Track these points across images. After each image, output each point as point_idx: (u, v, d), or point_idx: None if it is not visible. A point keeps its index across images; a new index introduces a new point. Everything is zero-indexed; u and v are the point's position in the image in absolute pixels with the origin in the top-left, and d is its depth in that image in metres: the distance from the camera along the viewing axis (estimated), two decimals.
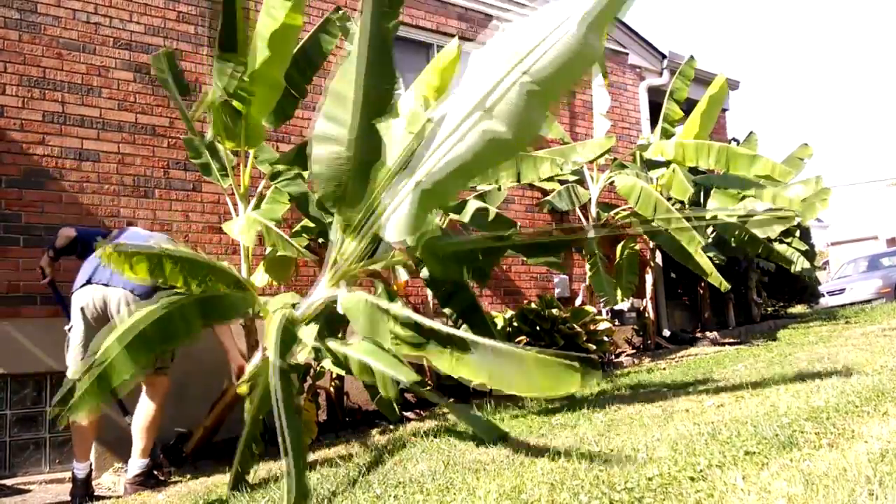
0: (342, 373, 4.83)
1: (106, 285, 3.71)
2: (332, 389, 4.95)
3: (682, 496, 1.92)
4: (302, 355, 4.21)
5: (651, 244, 7.98)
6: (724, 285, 6.71)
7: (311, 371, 4.63)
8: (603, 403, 4.07)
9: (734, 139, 10.22)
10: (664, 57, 8.79)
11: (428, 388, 4.67)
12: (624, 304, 7.60)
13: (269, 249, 4.96)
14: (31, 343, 4.38)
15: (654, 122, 8.40)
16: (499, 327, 6.00)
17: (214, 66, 3.97)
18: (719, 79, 7.31)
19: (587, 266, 7.07)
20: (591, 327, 6.23)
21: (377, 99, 3.48)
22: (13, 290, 4.47)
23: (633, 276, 7.48)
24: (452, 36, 5.15)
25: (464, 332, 3.04)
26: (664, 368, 6.01)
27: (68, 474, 4.39)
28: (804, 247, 10.05)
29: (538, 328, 5.89)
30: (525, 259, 6.51)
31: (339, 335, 4.89)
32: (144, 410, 3.80)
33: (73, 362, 3.70)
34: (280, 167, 4.60)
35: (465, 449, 3.32)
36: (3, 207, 4.52)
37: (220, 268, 3.48)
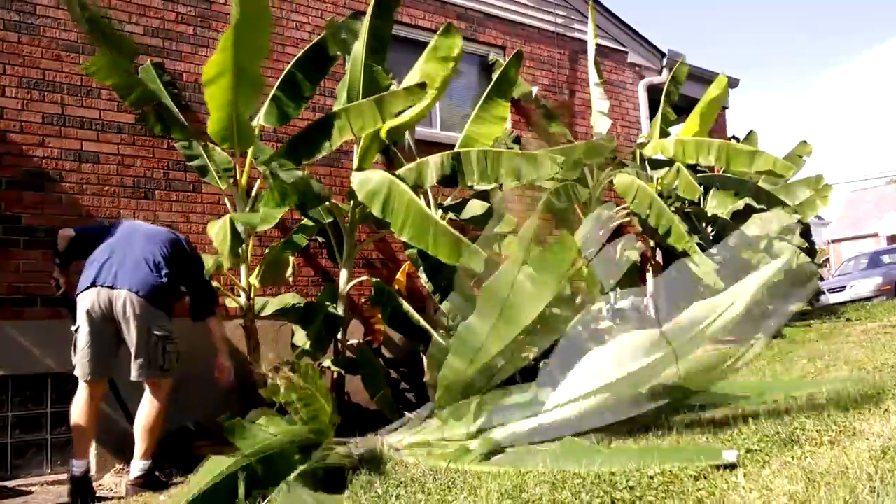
0: (342, 372, 4.86)
1: (111, 287, 3.71)
2: (332, 389, 4.95)
3: (684, 494, 1.92)
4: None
5: (652, 242, 7.97)
6: (719, 284, 6.71)
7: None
8: None
9: (734, 137, 10.20)
10: (663, 55, 8.78)
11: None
12: (625, 303, 7.58)
13: (266, 251, 4.97)
14: (33, 344, 4.38)
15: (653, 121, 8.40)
16: None
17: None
18: (720, 78, 7.30)
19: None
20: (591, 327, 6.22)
21: None
22: (14, 292, 4.47)
23: (634, 275, 7.48)
24: None
25: None
26: None
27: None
28: (804, 244, 10.04)
29: None
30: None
31: (339, 335, 4.91)
32: (147, 411, 3.79)
33: (81, 364, 3.72)
34: (275, 165, 4.56)
35: None
36: (3, 209, 4.52)
37: None
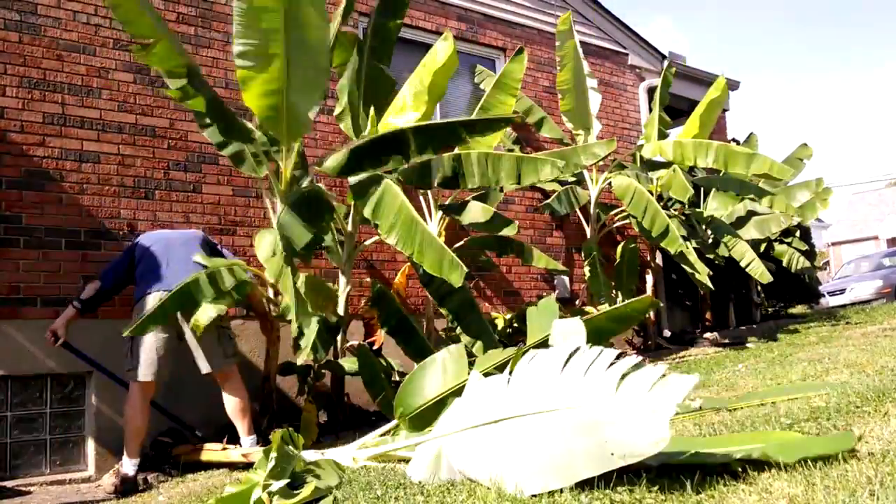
0: (343, 373, 4.85)
1: (168, 291, 3.89)
2: (332, 390, 4.95)
3: (684, 496, 1.92)
4: (302, 357, 4.23)
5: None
6: (708, 286, 6.77)
7: (312, 372, 4.64)
8: None
9: (734, 139, 10.22)
10: (664, 57, 8.79)
11: None
12: None
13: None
14: (32, 344, 4.38)
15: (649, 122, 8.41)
16: (499, 328, 6.02)
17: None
18: (720, 80, 7.32)
19: (585, 266, 7.08)
20: None
21: None
22: (14, 292, 4.47)
23: (634, 277, 7.49)
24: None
25: None
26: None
27: (69, 476, 4.42)
28: (804, 247, 10.05)
29: None
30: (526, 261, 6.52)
31: (339, 335, 4.90)
32: (232, 398, 4.08)
33: (145, 365, 3.90)
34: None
35: None
36: (3, 209, 4.52)
37: None
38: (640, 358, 2.18)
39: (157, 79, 5.18)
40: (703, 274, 6.65)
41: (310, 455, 3.15)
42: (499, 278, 6.94)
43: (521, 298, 6.99)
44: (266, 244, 3.98)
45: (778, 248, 9.69)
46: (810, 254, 10.32)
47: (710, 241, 7.94)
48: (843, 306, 13.70)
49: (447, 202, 6.09)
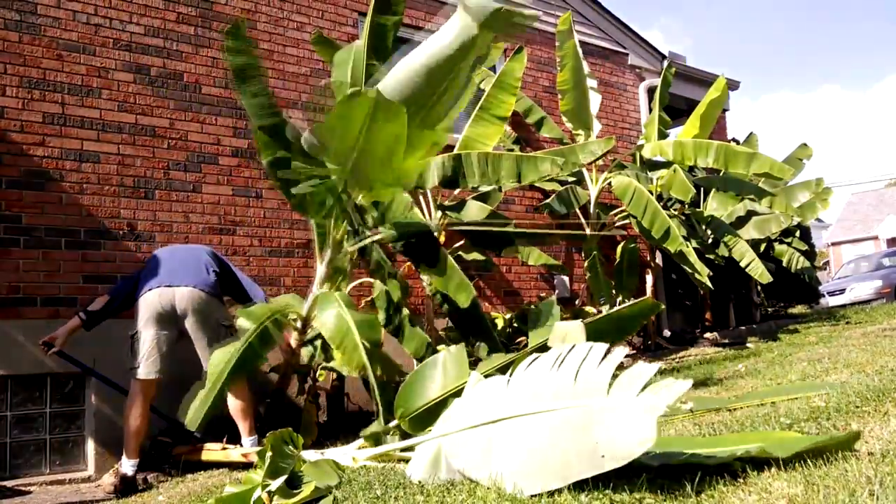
0: (343, 373, 4.85)
1: (170, 286, 3.96)
2: (332, 390, 4.95)
3: (683, 496, 1.92)
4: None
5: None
6: (708, 286, 6.76)
7: (312, 372, 4.64)
8: None
9: (734, 139, 10.22)
10: (664, 57, 8.80)
11: None
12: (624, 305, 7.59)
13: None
14: (32, 344, 4.38)
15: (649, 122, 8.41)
16: (499, 328, 6.01)
17: None
18: (720, 80, 7.31)
19: (585, 267, 7.07)
20: None
21: None
22: (13, 292, 4.48)
23: (634, 277, 7.49)
24: None
25: None
26: (664, 369, 6.01)
27: (69, 476, 4.41)
28: (804, 247, 10.06)
29: None
30: (525, 259, 6.52)
31: None
32: (235, 398, 4.01)
33: (146, 363, 3.90)
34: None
35: None
36: (3, 209, 4.52)
37: None
38: (632, 351, 2.20)
39: (157, 79, 5.19)
40: (703, 274, 6.65)
41: (309, 455, 3.15)
42: (498, 278, 6.94)
43: (520, 298, 6.99)
44: None
45: (778, 248, 9.70)
46: (810, 254, 10.34)
47: (710, 240, 7.94)
48: (843, 306, 13.70)
49: (447, 202, 6.09)
